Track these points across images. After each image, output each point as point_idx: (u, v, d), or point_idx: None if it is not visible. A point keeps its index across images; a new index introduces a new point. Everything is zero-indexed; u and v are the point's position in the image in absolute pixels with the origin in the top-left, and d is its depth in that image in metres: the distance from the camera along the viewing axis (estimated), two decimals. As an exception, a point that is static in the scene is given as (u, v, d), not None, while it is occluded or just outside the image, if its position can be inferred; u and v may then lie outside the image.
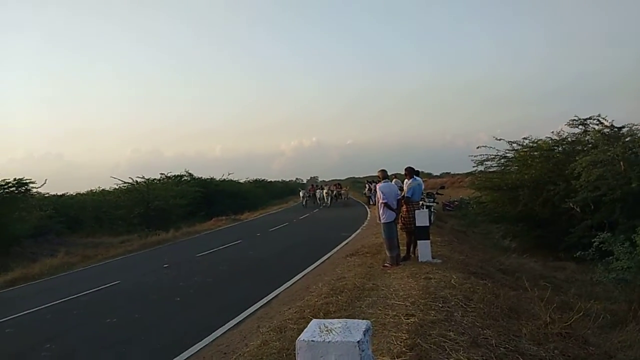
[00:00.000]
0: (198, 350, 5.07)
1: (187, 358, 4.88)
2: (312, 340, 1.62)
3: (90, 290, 8.83)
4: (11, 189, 17.15)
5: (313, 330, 1.68)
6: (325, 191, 33.13)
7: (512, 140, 16.19)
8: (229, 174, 36.59)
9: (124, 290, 8.84)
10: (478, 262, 8.73)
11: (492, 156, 16.67)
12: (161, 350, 5.14)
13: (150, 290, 8.47)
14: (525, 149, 15.86)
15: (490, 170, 17.31)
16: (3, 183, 16.87)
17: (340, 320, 1.75)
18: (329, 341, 1.59)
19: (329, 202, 31.89)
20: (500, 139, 16.60)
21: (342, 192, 36.16)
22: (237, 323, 5.98)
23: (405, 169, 8.99)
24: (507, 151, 16.49)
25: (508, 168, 16.92)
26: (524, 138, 15.98)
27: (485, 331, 4.58)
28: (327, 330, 1.66)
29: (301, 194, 34.86)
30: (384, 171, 8.32)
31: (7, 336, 6.38)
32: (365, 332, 1.64)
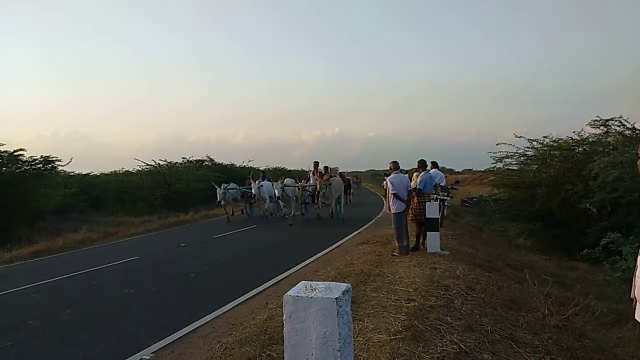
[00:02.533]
0: (209, 321, 5.36)
1: (198, 327, 5.17)
2: (297, 296, 1.83)
3: (111, 264, 9.24)
4: (37, 166, 17.66)
5: (300, 288, 1.90)
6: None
7: (532, 139, 16.13)
8: (250, 161, 36.90)
9: (142, 265, 9.22)
10: (487, 256, 8.83)
11: (512, 153, 16.64)
12: (176, 319, 5.45)
13: (167, 266, 8.82)
14: (545, 148, 15.77)
15: (509, 167, 17.28)
16: (30, 159, 17.38)
17: (325, 282, 1.96)
18: (312, 297, 1.81)
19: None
20: (520, 137, 16.56)
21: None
22: (247, 299, 6.28)
23: (418, 162, 9.12)
24: (527, 149, 16.44)
25: (527, 166, 16.86)
26: (545, 137, 15.90)
27: (482, 319, 4.75)
28: (311, 289, 1.87)
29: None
30: (395, 163, 8.48)
31: (33, 300, 6.78)
32: (344, 292, 1.85)
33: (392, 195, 8.19)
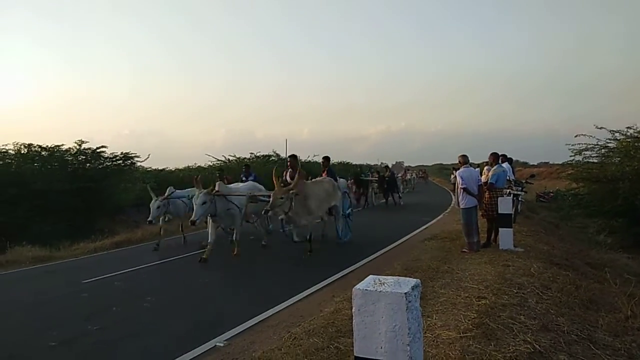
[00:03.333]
0: (277, 312, 5.53)
1: (267, 317, 5.35)
2: (366, 289, 1.86)
3: (188, 254, 9.72)
4: (118, 162, 18.87)
5: (368, 282, 1.92)
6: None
7: (614, 130, 15.04)
8: (314, 156, 37.21)
9: (214, 255, 9.62)
10: (563, 254, 8.40)
11: (592, 146, 15.63)
12: (244, 308, 5.66)
13: (238, 257, 9.13)
14: (628, 139, 14.66)
15: (588, 160, 16.26)
16: (111, 156, 18.60)
17: (393, 277, 1.98)
18: (381, 291, 1.83)
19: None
20: (601, 128, 15.49)
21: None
22: (314, 292, 6.40)
23: (490, 155, 8.82)
24: (608, 141, 15.37)
25: (609, 159, 15.77)
26: (628, 127, 14.77)
27: (558, 318, 4.55)
28: (380, 283, 1.89)
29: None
30: (465, 156, 8.27)
31: (116, 287, 7.29)
32: (413, 287, 1.86)
33: (462, 190, 8.00)
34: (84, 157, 17.72)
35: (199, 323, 5.24)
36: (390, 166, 24.50)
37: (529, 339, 3.82)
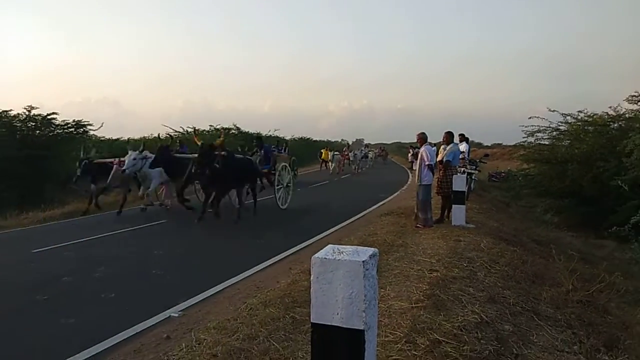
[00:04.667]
0: (233, 284, 5.54)
1: (224, 288, 5.36)
2: (325, 258, 1.88)
3: (140, 226, 9.52)
4: (70, 130, 18.12)
5: (327, 251, 1.94)
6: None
7: (566, 113, 15.66)
8: (276, 130, 36.93)
9: (170, 229, 9.49)
10: (512, 231, 8.77)
11: (544, 128, 16.23)
12: (200, 279, 5.63)
13: (193, 230, 9.04)
14: (579, 123, 15.33)
15: (540, 142, 16.89)
16: (63, 123, 17.82)
17: (352, 246, 2.00)
18: (339, 259, 1.85)
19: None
20: (554, 111, 16.09)
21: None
22: (271, 264, 6.44)
23: (445, 133, 8.99)
24: (560, 124, 16.01)
25: (559, 141, 16.45)
26: (579, 111, 15.41)
27: (505, 291, 4.77)
28: (339, 252, 1.91)
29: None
30: (424, 134, 8.36)
31: (67, 257, 7.07)
32: (371, 256, 1.89)
33: (427, 167, 8.12)
34: (33, 124, 16.94)
35: (153, 294, 5.18)
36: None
37: (476, 310, 3.99)
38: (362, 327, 1.80)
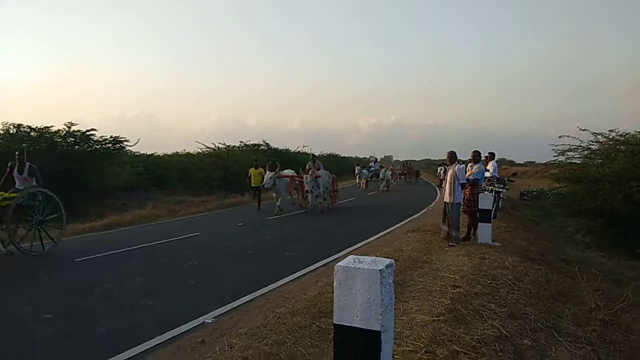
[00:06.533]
0: (263, 294, 5.80)
1: (254, 298, 5.62)
2: (346, 266, 2.12)
3: (175, 238, 9.93)
4: (107, 145, 18.85)
5: (348, 260, 2.18)
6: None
7: (597, 132, 15.46)
8: (304, 146, 37.41)
9: (203, 241, 9.86)
10: (539, 250, 8.77)
11: (575, 147, 16.04)
12: (232, 289, 5.92)
13: (225, 243, 9.39)
14: (610, 142, 15.11)
15: (571, 161, 16.69)
16: (101, 139, 18.57)
17: (371, 257, 2.24)
18: (359, 268, 2.09)
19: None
20: (584, 130, 15.92)
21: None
22: (299, 276, 6.68)
23: (472, 152, 9.10)
24: (591, 142, 15.80)
25: (590, 160, 16.21)
26: (610, 130, 15.21)
27: (527, 308, 4.87)
28: (359, 262, 2.15)
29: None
30: (454, 152, 8.42)
31: (107, 267, 7.49)
32: (387, 266, 2.12)
33: (460, 185, 8.20)
34: (73, 139, 17.70)
35: (189, 302, 5.48)
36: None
37: (496, 325, 4.12)
38: (379, 329, 2.03)
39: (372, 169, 28.20)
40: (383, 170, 26.40)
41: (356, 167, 27.01)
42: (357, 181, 26.42)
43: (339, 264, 2.17)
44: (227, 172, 25.21)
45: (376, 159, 28.85)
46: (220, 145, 27.80)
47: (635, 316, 5.28)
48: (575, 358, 3.80)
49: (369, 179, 26.40)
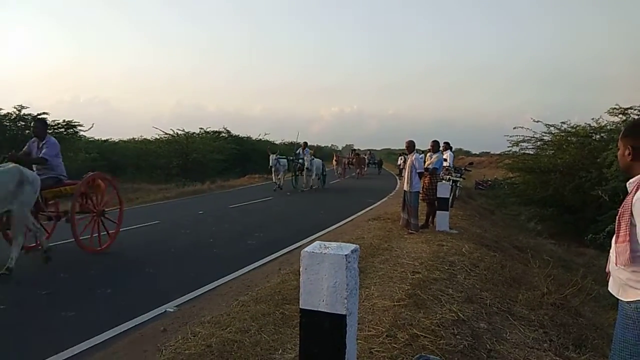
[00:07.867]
0: (226, 282, 5.76)
1: (217, 286, 5.58)
2: (312, 252, 2.15)
3: (133, 227, 9.68)
4: (60, 130, 18.18)
5: (315, 246, 2.21)
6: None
7: (549, 124, 16.15)
8: (265, 134, 37.15)
9: (162, 229, 9.68)
10: (494, 237, 9.10)
11: (529, 138, 16.69)
12: (193, 278, 5.85)
13: (185, 231, 9.24)
14: (562, 133, 15.80)
15: (525, 152, 17.34)
16: (53, 124, 17.87)
17: (337, 242, 2.28)
18: (325, 253, 2.12)
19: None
20: (538, 121, 16.59)
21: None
22: (261, 264, 6.68)
23: (431, 142, 9.32)
24: (543, 134, 16.47)
25: (543, 151, 16.91)
26: (562, 122, 15.91)
27: (482, 293, 5.06)
28: (325, 247, 2.18)
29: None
30: (412, 141, 8.62)
31: (59, 258, 7.20)
32: (352, 251, 2.16)
33: (418, 174, 8.38)
34: (23, 124, 16.96)
35: (149, 291, 5.38)
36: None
37: (454, 309, 4.27)
38: (344, 312, 2.07)
39: (300, 158, 18.67)
40: (308, 158, 18.02)
41: (270, 157, 17.71)
42: (273, 177, 18.53)
43: (306, 249, 2.19)
44: (186, 160, 24.77)
45: (305, 143, 19.48)
46: (179, 132, 27.24)
47: (583, 300, 5.58)
48: (528, 340, 3.98)
49: (298, 174, 18.91)
